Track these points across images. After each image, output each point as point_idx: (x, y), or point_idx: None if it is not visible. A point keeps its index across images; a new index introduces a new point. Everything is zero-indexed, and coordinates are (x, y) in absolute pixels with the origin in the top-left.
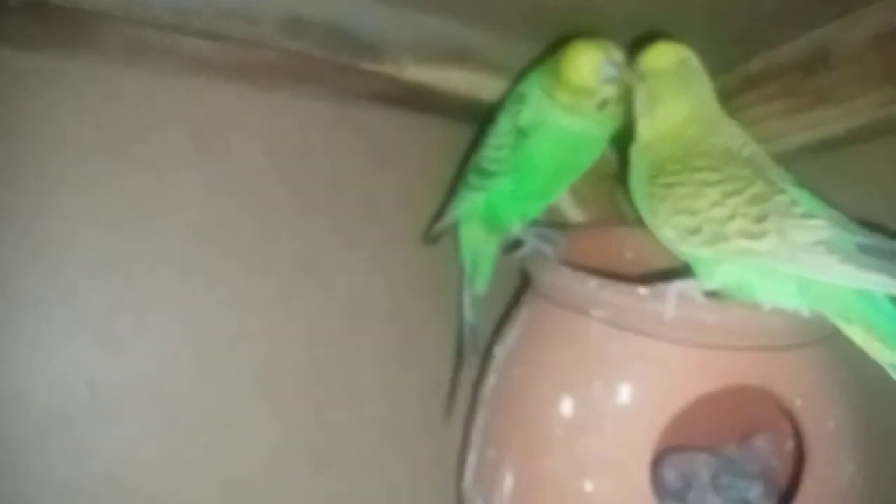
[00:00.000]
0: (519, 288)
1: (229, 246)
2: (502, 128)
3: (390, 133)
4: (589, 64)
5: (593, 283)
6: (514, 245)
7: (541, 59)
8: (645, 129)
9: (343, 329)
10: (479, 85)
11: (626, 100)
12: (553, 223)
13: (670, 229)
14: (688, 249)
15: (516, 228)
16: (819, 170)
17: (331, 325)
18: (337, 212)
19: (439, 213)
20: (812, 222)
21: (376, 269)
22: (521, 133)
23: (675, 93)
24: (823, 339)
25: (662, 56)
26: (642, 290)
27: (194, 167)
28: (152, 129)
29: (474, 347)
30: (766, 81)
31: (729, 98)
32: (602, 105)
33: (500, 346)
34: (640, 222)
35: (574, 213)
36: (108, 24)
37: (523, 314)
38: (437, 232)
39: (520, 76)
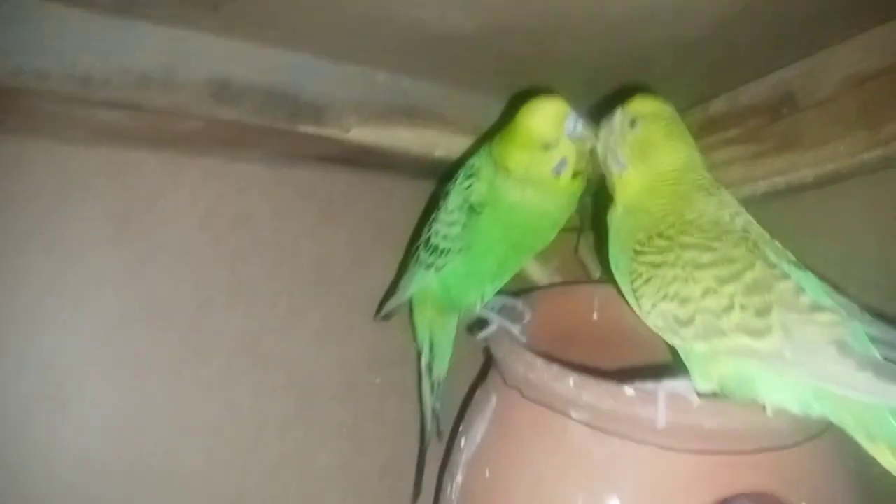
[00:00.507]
0: (484, 364)
1: (161, 329)
2: (453, 203)
3: (337, 192)
4: (553, 115)
5: (572, 382)
6: (477, 324)
7: (497, 116)
8: (632, 184)
9: (293, 412)
10: (431, 143)
11: (584, 171)
12: (513, 292)
13: (657, 317)
14: (679, 342)
15: (477, 308)
16: (784, 214)
17: (280, 409)
18: (282, 281)
19: (391, 287)
20: (822, 317)
21: (327, 343)
22: (472, 210)
23: (672, 139)
24: (827, 428)
25: (657, 102)
26: (629, 391)
27: (115, 244)
28: (64, 204)
29: (438, 432)
30: (729, 124)
31: None
32: (559, 170)
33: (466, 438)
34: (605, 279)
35: (534, 270)
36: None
37: (492, 403)
38: (389, 310)
39: (474, 145)
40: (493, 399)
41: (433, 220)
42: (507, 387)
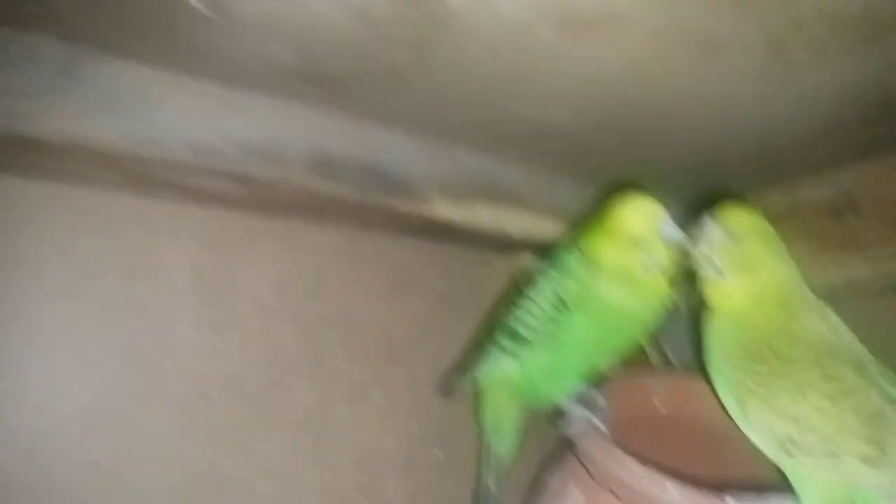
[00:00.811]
0: (554, 451)
1: (233, 402)
2: (542, 295)
3: (408, 263)
4: (649, 214)
5: (673, 491)
6: (556, 415)
7: (575, 201)
8: (735, 295)
9: (354, 487)
10: (507, 221)
11: (671, 275)
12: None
13: (764, 432)
14: (784, 459)
15: (563, 402)
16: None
17: (342, 484)
18: (352, 354)
19: (460, 364)
20: None
21: (390, 417)
22: (563, 305)
23: (774, 256)
24: None
25: (754, 217)
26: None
27: (195, 308)
28: (151, 263)
29: None
30: (788, 220)
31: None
32: (651, 270)
33: None
34: (666, 368)
35: None
36: (109, 161)
37: (576, 499)
38: (455, 386)
39: (552, 228)
40: (577, 495)
41: (516, 304)
42: (596, 485)
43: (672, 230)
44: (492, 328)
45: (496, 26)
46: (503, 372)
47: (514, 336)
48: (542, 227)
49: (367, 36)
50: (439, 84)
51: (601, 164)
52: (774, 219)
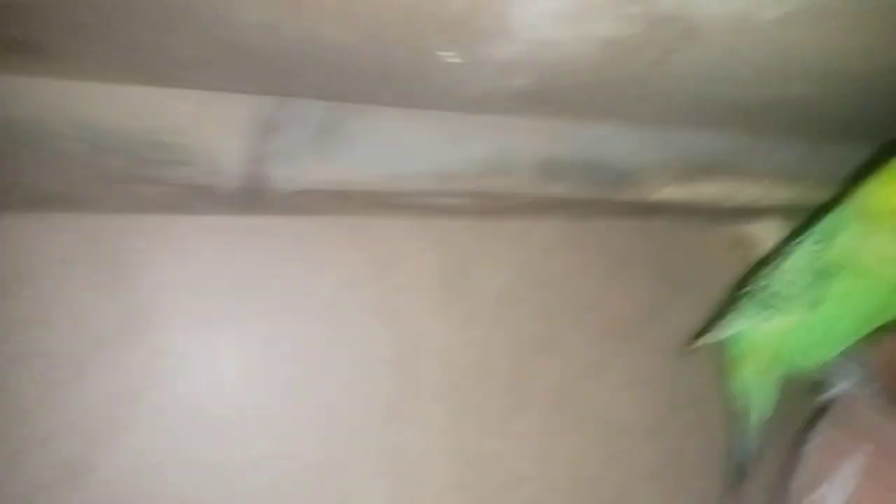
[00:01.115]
0: (814, 424)
1: (483, 389)
2: (793, 266)
3: (631, 244)
4: None
5: None
6: (817, 382)
7: (800, 163)
8: None
9: (606, 455)
10: (730, 193)
11: None
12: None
13: None
14: None
15: (823, 368)
16: None
17: (594, 454)
18: (587, 334)
19: (702, 328)
20: None
21: (632, 388)
22: (823, 273)
23: None
24: None
25: None
26: None
27: (443, 308)
28: (401, 273)
29: (743, 486)
30: None
31: None
32: None
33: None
34: None
35: None
36: (374, 197)
37: (849, 470)
38: (699, 346)
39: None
40: (855, 464)
41: (780, 259)
42: (881, 458)
43: None
44: (741, 293)
45: (739, 29)
46: (757, 335)
47: (776, 293)
48: (771, 192)
49: (609, 57)
50: (671, 83)
51: (833, 126)
52: None
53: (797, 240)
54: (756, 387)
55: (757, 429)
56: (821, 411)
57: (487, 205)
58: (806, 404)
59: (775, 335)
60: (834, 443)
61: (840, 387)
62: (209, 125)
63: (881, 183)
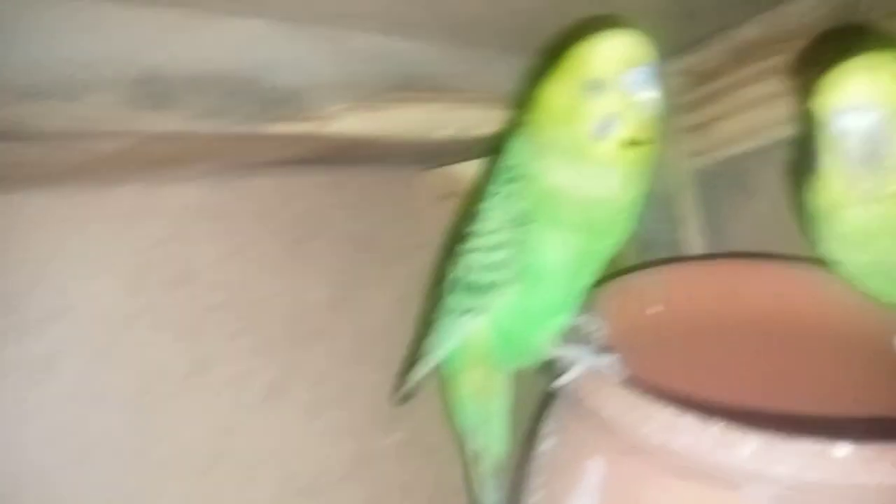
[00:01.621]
0: (553, 417)
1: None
2: (494, 220)
3: (311, 204)
4: (622, 50)
5: (752, 447)
6: (548, 367)
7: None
8: None
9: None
10: (437, 121)
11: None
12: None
13: None
14: None
15: (552, 347)
16: None
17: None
18: (259, 339)
19: (411, 349)
20: None
21: (318, 412)
22: (522, 220)
23: None
24: None
25: None
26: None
27: None
28: None
29: None
30: (770, 51)
31: (712, 77)
32: (602, 132)
33: None
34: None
35: None
36: None
37: (597, 472)
38: (410, 389)
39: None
40: (597, 468)
41: (463, 250)
42: (621, 455)
43: (647, 84)
44: (439, 290)
45: None
46: (470, 339)
47: (470, 288)
48: (485, 119)
49: None
50: None
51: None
52: (751, 53)
53: (488, 192)
54: (487, 403)
55: (497, 471)
56: (552, 399)
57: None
58: (541, 394)
59: (490, 326)
60: (570, 440)
61: (572, 364)
62: None
63: (541, 96)
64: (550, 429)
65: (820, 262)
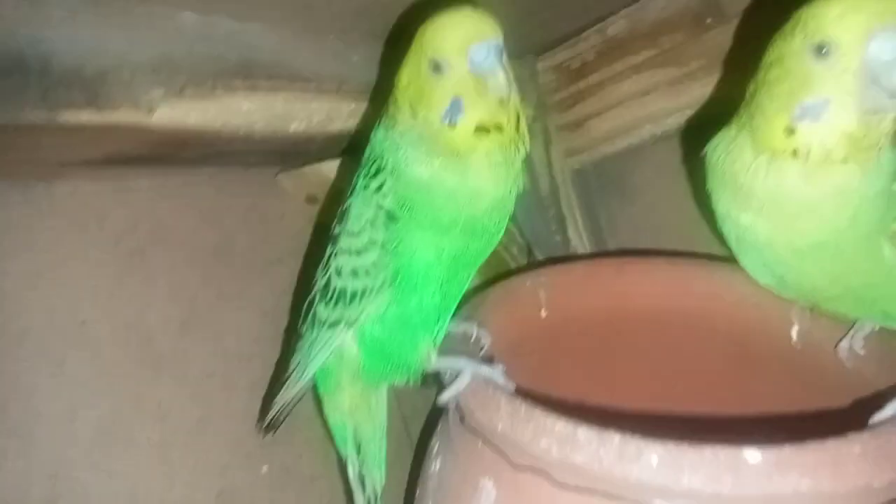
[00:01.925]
0: (439, 436)
1: None
2: (359, 219)
3: (140, 212)
4: (460, 29)
5: (656, 459)
6: (429, 380)
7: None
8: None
9: None
10: (283, 113)
11: (508, 130)
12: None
13: None
14: None
15: (426, 360)
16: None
17: None
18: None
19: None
20: None
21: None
22: (390, 219)
23: None
24: None
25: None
26: (753, 454)
27: None
28: None
29: None
30: (637, 46)
31: (583, 74)
32: (451, 118)
33: None
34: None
35: None
36: None
37: (487, 494)
38: (277, 416)
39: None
40: (490, 488)
41: (329, 255)
42: (514, 469)
43: (488, 58)
44: (306, 300)
45: None
46: (338, 354)
47: (337, 297)
48: (338, 111)
49: None
50: None
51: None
52: (620, 48)
53: (351, 189)
54: (362, 423)
55: (380, 485)
56: (440, 415)
57: None
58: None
59: (361, 339)
60: (459, 460)
61: (455, 377)
62: None
63: (395, 82)
64: (438, 448)
65: (710, 257)
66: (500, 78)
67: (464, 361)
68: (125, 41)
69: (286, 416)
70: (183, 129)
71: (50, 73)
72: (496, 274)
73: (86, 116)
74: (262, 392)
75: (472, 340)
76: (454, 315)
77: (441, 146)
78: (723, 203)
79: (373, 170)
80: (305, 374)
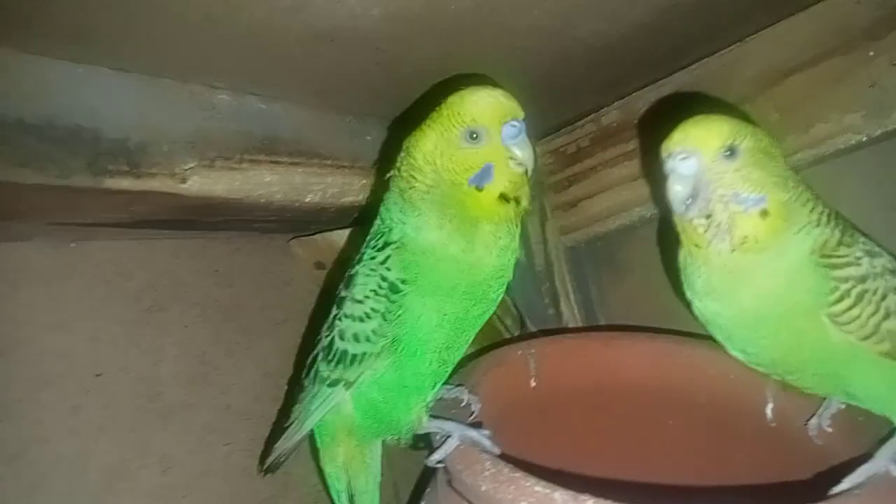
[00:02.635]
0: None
1: None
2: (364, 287)
3: (163, 271)
4: (496, 104)
5: None
6: (420, 441)
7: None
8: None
9: None
10: (300, 185)
11: (521, 201)
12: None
13: (882, 340)
14: None
15: (418, 422)
16: None
17: None
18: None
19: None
20: None
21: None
22: (394, 289)
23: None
24: None
25: (730, 119)
26: None
27: None
28: None
29: None
30: (627, 136)
31: (578, 158)
32: (480, 181)
33: None
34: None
35: None
36: None
37: None
38: (278, 458)
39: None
40: None
41: (334, 317)
42: None
43: (521, 136)
44: (310, 355)
45: None
46: (336, 411)
47: (338, 357)
48: (351, 185)
49: None
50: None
51: (414, 85)
52: (612, 136)
53: (357, 258)
54: (356, 476)
55: None
56: (430, 476)
57: None
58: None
59: (359, 398)
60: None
61: (445, 438)
62: None
63: (406, 172)
64: None
65: (693, 334)
66: (528, 152)
67: (453, 425)
68: (167, 116)
69: (285, 459)
70: (211, 196)
71: (99, 142)
72: (490, 343)
73: (126, 183)
74: (259, 449)
75: (463, 405)
76: (447, 381)
77: (459, 208)
78: (684, 288)
79: (380, 242)
80: (304, 426)
